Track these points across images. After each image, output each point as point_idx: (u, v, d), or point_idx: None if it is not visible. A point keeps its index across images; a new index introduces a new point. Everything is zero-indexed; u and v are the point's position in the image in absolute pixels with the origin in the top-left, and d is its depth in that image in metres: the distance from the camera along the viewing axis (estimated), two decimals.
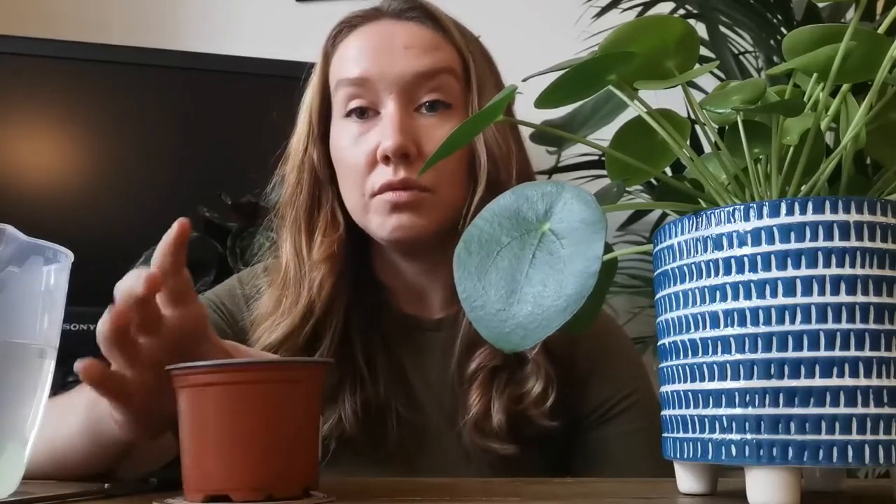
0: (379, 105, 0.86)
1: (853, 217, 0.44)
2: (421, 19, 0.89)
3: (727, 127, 0.52)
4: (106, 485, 0.59)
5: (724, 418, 0.46)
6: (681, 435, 0.49)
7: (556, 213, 0.49)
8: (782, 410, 0.44)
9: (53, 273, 0.60)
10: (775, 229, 0.45)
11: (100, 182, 1.64)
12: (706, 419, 0.47)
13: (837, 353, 0.44)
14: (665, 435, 0.52)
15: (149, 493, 0.60)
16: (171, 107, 1.69)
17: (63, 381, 1.43)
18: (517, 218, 0.50)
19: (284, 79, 1.71)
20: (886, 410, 0.44)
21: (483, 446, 0.85)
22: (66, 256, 0.61)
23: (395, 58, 0.85)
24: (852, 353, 0.44)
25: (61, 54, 1.64)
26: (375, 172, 0.85)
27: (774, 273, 0.45)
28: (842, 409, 0.43)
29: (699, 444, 0.48)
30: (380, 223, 0.85)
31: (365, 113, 0.87)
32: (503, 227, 0.50)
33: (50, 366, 0.60)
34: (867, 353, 0.44)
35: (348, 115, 0.87)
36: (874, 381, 0.44)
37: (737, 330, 0.46)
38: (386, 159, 0.84)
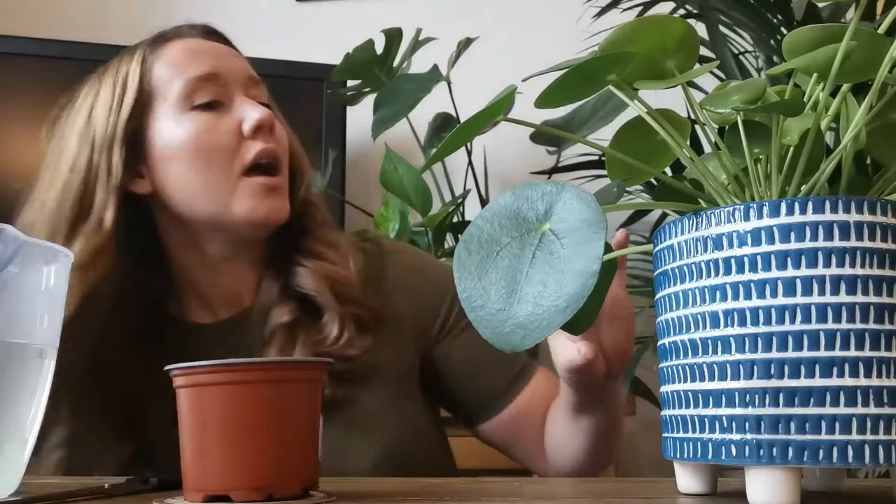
0: (229, 98, 0.92)
1: (853, 217, 0.44)
2: (224, 42, 0.99)
3: (727, 127, 0.52)
4: (106, 484, 0.59)
5: (724, 418, 0.46)
6: (681, 435, 0.49)
7: (557, 212, 0.49)
8: (782, 410, 0.44)
9: (53, 273, 0.60)
10: (775, 229, 0.45)
11: None
12: (706, 419, 0.47)
13: (837, 353, 0.43)
14: (665, 435, 0.52)
15: (149, 493, 0.60)
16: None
17: None
18: (517, 218, 0.50)
19: (284, 79, 1.71)
20: (886, 410, 0.43)
21: None
22: (66, 256, 0.61)
23: (231, 61, 0.94)
24: (852, 353, 0.43)
25: (61, 54, 1.64)
26: (245, 148, 0.89)
27: (774, 273, 0.45)
28: (842, 409, 0.43)
29: (699, 444, 0.48)
30: (252, 206, 0.89)
31: (214, 105, 0.91)
32: (503, 226, 0.50)
33: (50, 366, 0.60)
34: (867, 353, 0.43)
35: (195, 108, 0.90)
36: (874, 381, 0.43)
37: (737, 330, 0.46)
38: (257, 130, 0.89)
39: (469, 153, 1.79)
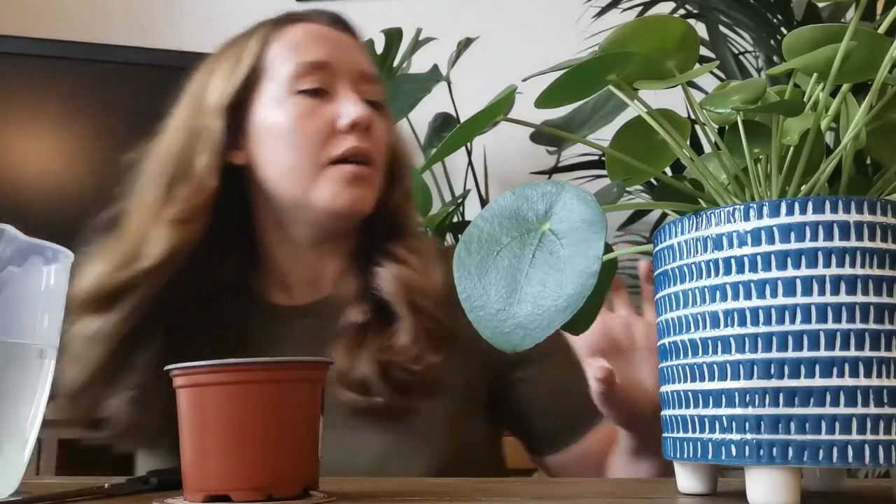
0: (334, 88, 0.93)
1: (853, 217, 0.44)
2: (352, 34, 0.99)
3: (727, 127, 0.52)
4: (106, 484, 0.59)
5: (724, 418, 0.46)
6: (681, 435, 0.49)
7: (556, 212, 0.49)
8: (782, 410, 0.44)
9: (53, 273, 0.60)
10: (775, 229, 0.45)
11: (100, 182, 1.64)
12: (706, 419, 0.47)
13: (837, 353, 0.43)
14: (665, 435, 0.52)
15: (149, 492, 0.60)
16: (171, 107, 1.69)
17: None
18: (517, 218, 0.50)
19: None
20: (886, 410, 0.43)
21: (347, 399, 0.87)
22: (66, 256, 0.61)
23: (347, 53, 0.95)
24: (852, 353, 0.43)
25: (61, 54, 1.64)
26: (336, 141, 0.90)
27: (774, 273, 0.45)
28: (842, 409, 0.43)
29: (699, 444, 0.48)
30: (335, 191, 0.90)
31: (319, 93, 0.92)
32: (503, 226, 0.50)
33: (50, 366, 0.60)
34: (867, 353, 0.43)
35: (300, 93, 0.92)
36: (874, 381, 0.43)
37: (737, 330, 0.46)
38: (353, 127, 0.90)
39: (469, 153, 1.79)
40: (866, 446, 0.43)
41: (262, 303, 0.96)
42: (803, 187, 0.50)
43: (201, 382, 0.52)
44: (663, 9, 1.56)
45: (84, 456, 1.42)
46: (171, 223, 0.88)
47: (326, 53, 0.93)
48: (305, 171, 0.91)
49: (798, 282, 0.44)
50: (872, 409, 0.43)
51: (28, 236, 0.58)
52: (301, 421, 0.53)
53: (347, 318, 0.90)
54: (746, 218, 0.46)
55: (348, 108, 0.91)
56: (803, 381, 0.44)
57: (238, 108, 0.93)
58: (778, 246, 0.45)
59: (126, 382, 0.87)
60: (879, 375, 0.43)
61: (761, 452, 0.44)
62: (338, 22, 0.99)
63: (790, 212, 0.45)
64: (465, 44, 1.74)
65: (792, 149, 0.50)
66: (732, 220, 0.46)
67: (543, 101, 0.51)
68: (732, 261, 0.46)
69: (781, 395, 0.44)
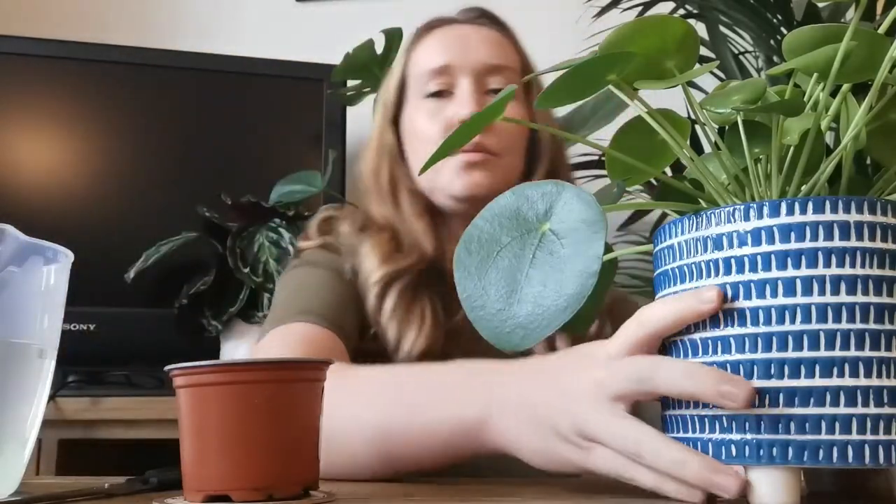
0: (454, 87, 1.01)
1: (853, 217, 0.44)
2: (490, 25, 1.06)
3: (727, 127, 0.52)
4: (106, 484, 0.59)
5: (724, 418, 0.46)
6: (681, 435, 0.49)
7: (557, 212, 0.49)
8: (782, 410, 0.44)
9: (53, 273, 0.60)
10: (775, 229, 0.45)
11: (100, 182, 1.64)
12: (706, 419, 0.47)
13: (837, 353, 0.44)
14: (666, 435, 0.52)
15: (149, 492, 0.60)
16: (170, 107, 1.69)
17: (63, 381, 1.44)
18: (517, 218, 0.50)
19: (284, 79, 1.71)
20: (886, 410, 0.43)
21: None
22: (66, 256, 0.61)
23: (470, 50, 1.02)
24: (852, 353, 0.44)
25: (61, 54, 1.64)
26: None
27: (774, 273, 0.45)
28: (842, 409, 0.43)
29: (699, 443, 0.48)
30: (452, 179, 0.98)
31: (441, 94, 1.01)
32: (503, 226, 0.50)
33: (50, 366, 0.60)
34: (867, 353, 0.44)
35: (427, 97, 1.01)
36: (874, 381, 0.43)
37: (737, 330, 0.46)
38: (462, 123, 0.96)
39: None
40: (866, 446, 0.43)
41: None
42: (803, 187, 0.50)
43: (201, 382, 0.52)
44: (663, 9, 1.56)
45: (84, 456, 1.42)
46: (417, 218, 1.01)
47: (447, 57, 1.01)
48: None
49: (798, 282, 0.44)
50: (872, 409, 0.43)
51: (28, 236, 0.58)
52: (301, 421, 0.53)
53: None
54: (746, 218, 0.46)
55: (458, 108, 0.98)
56: (803, 382, 0.44)
57: (399, 119, 1.05)
58: (778, 246, 0.45)
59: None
60: (879, 375, 0.44)
61: (761, 452, 0.44)
62: (483, 17, 1.06)
63: (790, 212, 0.45)
64: None
65: (792, 149, 0.50)
66: (732, 220, 0.46)
67: (544, 100, 0.51)
68: (733, 261, 0.46)
69: (781, 395, 0.44)
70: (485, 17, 1.06)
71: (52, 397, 1.31)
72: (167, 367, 0.53)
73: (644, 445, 0.49)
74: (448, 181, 0.99)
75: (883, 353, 0.44)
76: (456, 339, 0.96)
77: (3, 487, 0.57)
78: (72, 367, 1.49)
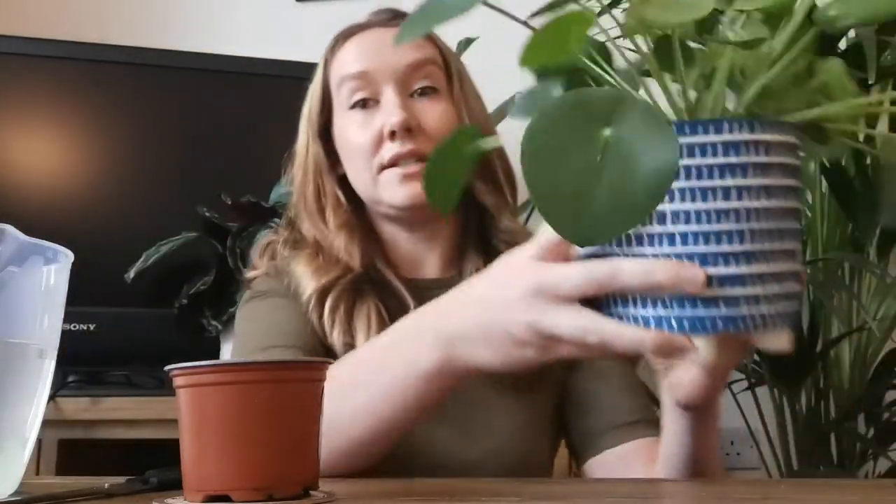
0: (379, 95, 0.98)
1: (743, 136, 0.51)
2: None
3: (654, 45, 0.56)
4: (106, 484, 0.59)
5: (667, 299, 0.52)
6: (630, 311, 0.53)
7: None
8: (715, 292, 0.51)
9: (53, 273, 0.60)
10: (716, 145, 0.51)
11: (100, 182, 1.64)
12: (648, 298, 0.53)
13: (754, 246, 0.51)
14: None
15: (149, 492, 0.60)
16: (170, 107, 1.69)
17: (63, 381, 1.44)
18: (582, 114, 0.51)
19: (284, 79, 1.71)
20: (775, 290, 0.52)
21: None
22: (66, 256, 0.61)
23: (387, 55, 0.99)
24: (764, 246, 0.51)
25: (61, 54, 1.64)
26: (383, 149, 0.96)
27: (706, 182, 0.51)
28: (754, 290, 0.51)
29: (640, 319, 0.53)
30: (393, 192, 0.96)
31: (367, 103, 0.98)
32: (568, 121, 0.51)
33: (50, 366, 0.60)
34: (769, 246, 0.52)
35: (352, 107, 0.99)
36: (771, 268, 0.52)
37: (681, 227, 0.51)
38: (392, 135, 0.95)
39: None
40: (767, 317, 0.52)
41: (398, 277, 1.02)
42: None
43: (201, 382, 0.52)
44: None
45: (84, 456, 1.42)
46: (339, 230, 1.00)
47: (366, 65, 0.98)
48: (367, 179, 0.98)
49: (720, 190, 0.51)
50: (770, 290, 0.52)
51: (28, 236, 0.58)
52: (301, 421, 0.53)
53: None
54: (694, 132, 0.51)
55: (387, 116, 0.96)
56: (731, 269, 0.51)
57: (326, 131, 1.02)
58: (698, 160, 0.51)
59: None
60: (770, 262, 0.52)
61: (699, 325, 0.52)
62: (396, 17, 1.03)
63: (702, 131, 0.51)
64: (465, 44, 1.74)
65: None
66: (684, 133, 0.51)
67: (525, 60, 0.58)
68: (682, 170, 0.50)
69: (715, 280, 0.51)
70: (398, 18, 1.04)
71: (52, 397, 1.31)
72: (167, 367, 0.53)
73: (605, 334, 0.55)
74: (390, 194, 0.97)
75: (776, 246, 0.52)
76: None
77: (3, 487, 0.57)
78: (72, 367, 1.49)
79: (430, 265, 1.03)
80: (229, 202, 1.54)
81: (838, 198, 1.40)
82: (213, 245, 1.52)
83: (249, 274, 1.07)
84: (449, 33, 1.82)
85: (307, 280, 0.98)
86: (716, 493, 0.63)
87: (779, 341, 0.54)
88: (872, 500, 0.57)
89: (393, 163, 0.95)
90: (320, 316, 0.95)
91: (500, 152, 1.05)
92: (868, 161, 1.40)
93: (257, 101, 1.68)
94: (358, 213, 1.02)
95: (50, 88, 1.64)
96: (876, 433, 1.50)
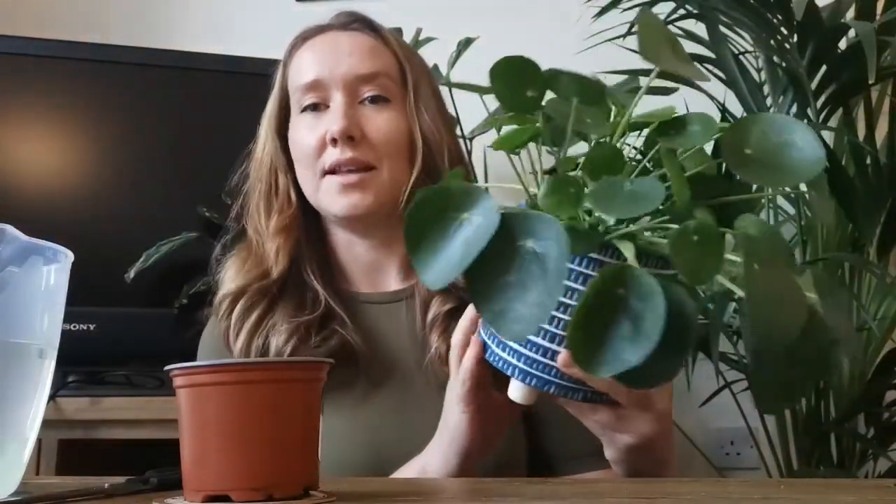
0: (329, 100, 1.00)
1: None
2: (363, 29, 1.05)
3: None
4: (106, 484, 0.59)
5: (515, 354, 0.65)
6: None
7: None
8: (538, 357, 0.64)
9: (53, 273, 0.60)
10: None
11: (100, 182, 1.64)
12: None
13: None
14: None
15: (149, 492, 0.60)
16: (170, 107, 1.69)
17: (63, 381, 1.44)
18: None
19: None
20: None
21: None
22: (66, 256, 0.61)
23: (340, 62, 1.00)
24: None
25: (61, 54, 1.64)
26: (325, 154, 0.98)
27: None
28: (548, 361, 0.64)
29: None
30: (332, 201, 0.98)
31: (317, 108, 1.00)
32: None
33: (50, 366, 0.60)
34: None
35: (304, 110, 1.01)
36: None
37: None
38: (334, 141, 0.97)
39: (469, 153, 1.79)
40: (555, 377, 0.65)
41: (350, 293, 1.03)
42: None
43: (201, 382, 0.52)
44: (663, 9, 1.56)
45: (84, 456, 1.42)
46: (277, 234, 1.01)
47: (319, 71, 1.00)
48: (310, 183, 1.00)
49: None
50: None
51: (28, 236, 0.58)
52: (301, 421, 0.53)
53: (437, 308, 0.96)
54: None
55: (330, 123, 0.97)
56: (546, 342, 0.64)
57: (284, 132, 1.03)
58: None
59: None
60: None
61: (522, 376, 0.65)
62: (357, 21, 1.05)
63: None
64: (465, 44, 1.74)
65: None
66: None
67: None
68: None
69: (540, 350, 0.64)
70: (358, 22, 1.05)
71: (52, 397, 1.31)
72: (167, 367, 0.53)
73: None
74: (329, 203, 0.98)
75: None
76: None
77: (3, 487, 0.57)
78: (72, 367, 1.49)
79: (390, 273, 1.03)
80: (229, 202, 1.54)
81: (838, 198, 1.40)
82: (213, 245, 1.52)
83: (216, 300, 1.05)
84: (449, 33, 1.82)
85: (227, 283, 1.00)
86: (716, 493, 0.63)
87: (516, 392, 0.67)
88: (872, 500, 0.57)
89: (333, 169, 0.96)
90: (229, 317, 0.97)
91: (460, 154, 1.06)
92: (868, 161, 1.40)
93: (257, 101, 1.68)
94: (309, 218, 1.03)
95: (50, 89, 1.64)
96: (876, 433, 1.50)
